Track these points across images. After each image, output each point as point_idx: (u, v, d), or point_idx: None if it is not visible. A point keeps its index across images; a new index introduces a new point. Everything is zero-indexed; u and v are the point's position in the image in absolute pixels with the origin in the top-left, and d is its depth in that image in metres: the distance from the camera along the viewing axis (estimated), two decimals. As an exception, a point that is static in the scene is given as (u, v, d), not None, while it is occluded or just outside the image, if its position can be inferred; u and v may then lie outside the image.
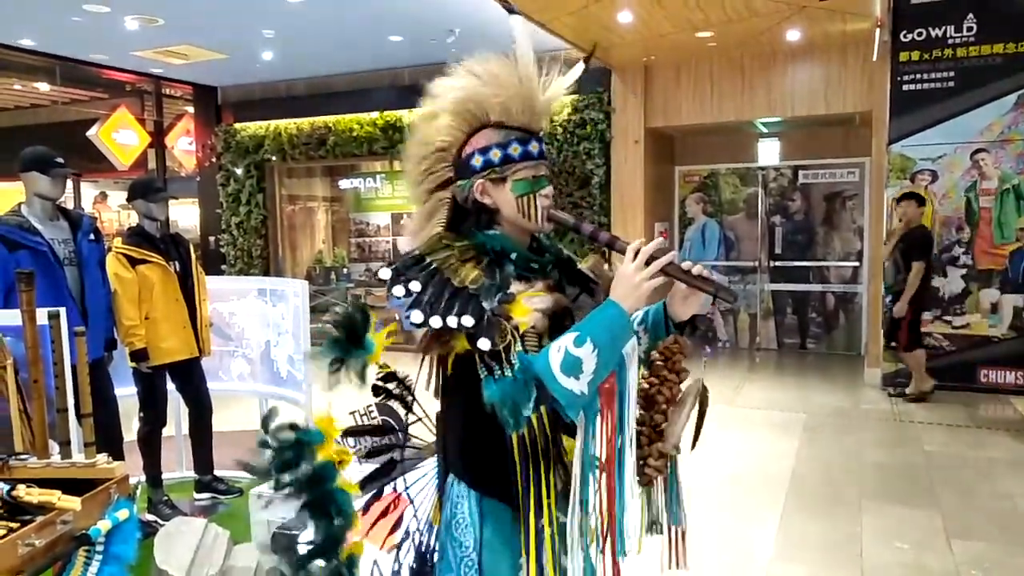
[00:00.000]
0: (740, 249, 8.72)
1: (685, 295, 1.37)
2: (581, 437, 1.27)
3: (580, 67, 1.47)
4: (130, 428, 4.07)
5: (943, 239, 6.41)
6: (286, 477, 1.27)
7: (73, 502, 1.74)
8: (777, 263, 8.53)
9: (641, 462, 1.37)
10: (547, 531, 1.34)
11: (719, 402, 6.12)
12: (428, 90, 1.43)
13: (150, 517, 3.70)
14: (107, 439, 3.07)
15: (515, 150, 1.36)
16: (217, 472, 4.14)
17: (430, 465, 1.58)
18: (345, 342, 1.27)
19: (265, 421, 1.32)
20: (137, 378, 3.80)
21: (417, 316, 1.26)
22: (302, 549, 1.29)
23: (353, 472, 1.58)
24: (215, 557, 2.43)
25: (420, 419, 1.65)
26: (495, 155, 1.36)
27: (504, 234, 1.39)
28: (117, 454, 3.28)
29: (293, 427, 1.30)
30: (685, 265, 1.31)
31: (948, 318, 6.42)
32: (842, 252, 8.32)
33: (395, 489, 1.61)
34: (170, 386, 3.98)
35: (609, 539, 1.30)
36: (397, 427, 1.68)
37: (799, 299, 8.53)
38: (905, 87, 6.38)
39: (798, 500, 4.08)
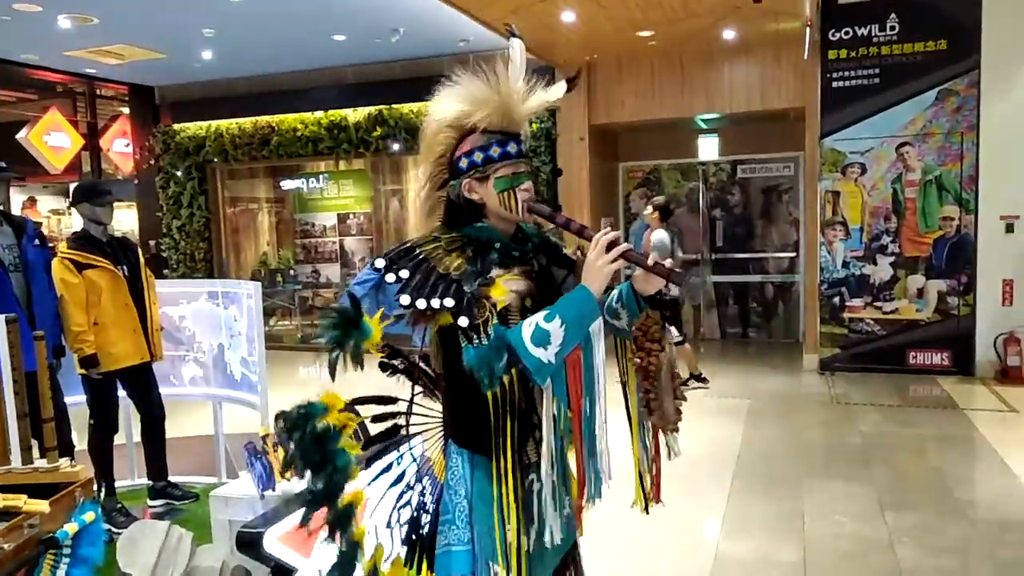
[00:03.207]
0: (683, 242, 8.95)
1: (645, 275, 1.56)
2: (548, 399, 1.46)
3: (563, 87, 1.67)
4: (81, 437, 4.00)
5: (872, 229, 6.74)
6: (292, 443, 1.43)
7: (41, 504, 1.75)
8: (718, 255, 8.80)
9: (659, 419, 1.61)
10: (523, 485, 1.53)
11: (667, 391, 6.31)
12: (426, 113, 1.65)
13: (104, 526, 3.64)
14: (58, 448, 3.03)
15: (495, 151, 1.56)
16: (171, 478, 4.10)
17: (435, 432, 1.76)
18: (344, 325, 1.41)
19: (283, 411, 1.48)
20: (87, 385, 3.74)
21: (405, 299, 1.47)
22: (305, 496, 1.44)
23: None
24: (179, 559, 2.44)
25: (427, 390, 1.80)
26: (478, 157, 1.56)
27: (490, 226, 1.59)
28: (69, 462, 3.23)
29: (301, 405, 1.46)
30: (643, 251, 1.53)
31: (879, 304, 6.76)
32: (779, 243, 8.64)
33: (377, 466, 1.76)
34: (121, 392, 3.92)
35: (579, 488, 1.53)
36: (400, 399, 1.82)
37: (740, 290, 8.83)
38: (835, 84, 6.68)
39: (744, 481, 4.27)
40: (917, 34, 6.45)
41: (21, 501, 1.76)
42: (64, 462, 2.00)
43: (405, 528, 1.66)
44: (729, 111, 7.57)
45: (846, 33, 6.61)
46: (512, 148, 1.57)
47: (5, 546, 1.66)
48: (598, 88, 7.82)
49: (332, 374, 1.39)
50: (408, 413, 1.77)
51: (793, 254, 8.51)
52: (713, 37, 6.87)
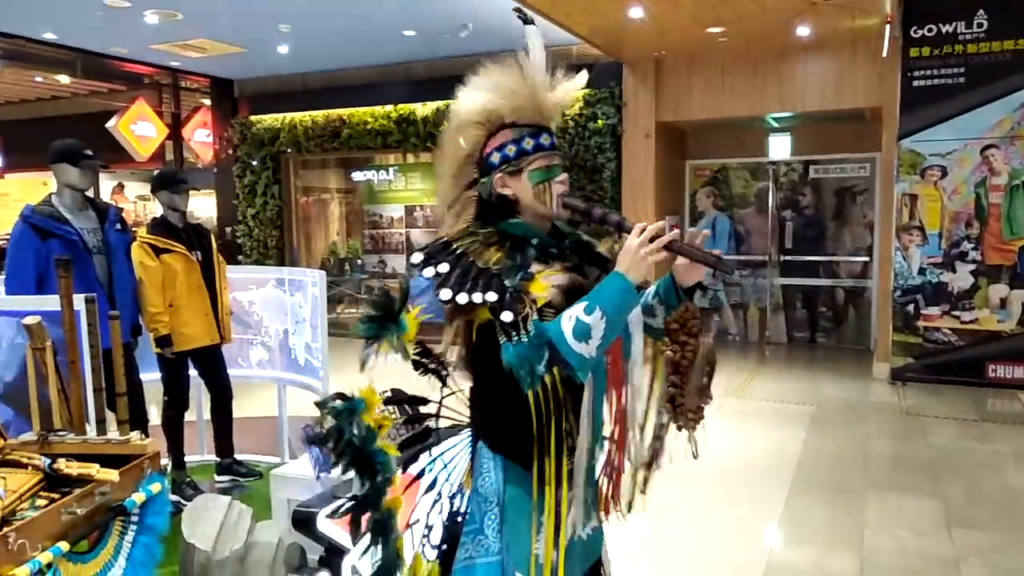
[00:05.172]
0: (750, 243, 8.77)
1: (688, 265, 1.50)
2: (589, 396, 1.41)
3: (584, 75, 1.63)
4: (154, 412, 4.21)
5: (952, 234, 6.45)
6: (340, 440, 1.40)
7: (111, 474, 1.85)
8: (787, 257, 8.57)
9: (681, 415, 1.55)
10: (563, 493, 1.47)
11: (729, 394, 6.20)
12: (450, 110, 1.60)
13: (174, 498, 3.82)
14: (132, 422, 3.20)
15: (528, 143, 1.51)
16: (237, 456, 4.27)
17: (464, 435, 1.70)
18: (382, 319, 1.40)
19: (323, 401, 1.46)
20: (161, 364, 3.94)
21: (445, 293, 1.40)
22: (349, 503, 1.42)
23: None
24: (239, 532, 2.55)
25: (455, 392, 1.77)
26: (510, 150, 1.51)
27: (525, 222, 1.53)
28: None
29: (341, 396, 1.43)
30: (687, 236, 1.46)
31: (957, 313, 6.46)
32: (852, 247, 8.35)
33: (411, 471, 1.70)
34: (192, 372, 4.11)
35: (613, 495, 1.51)
36: (431, 400, 1.80)
37: (809, 293, 8.58)
38: (915, 83, 6.41)
39: (803, 489, 4.16)
40: (1007, 32, 6.12)
41: (94, 470, 1.86)
42: (135, 435, 2.10)
43: (439, 539, 1.59)
44: (802, 110, 7.36)
45: (929, 30, 6.33)
46: (545, 140, 1.52)
47: (78, 511, 1.77)
48: (666, 85, 7.71)
49: (362, 366, 1.38)
50: (438, 416, 1.72)
51: (866, 258, 8.22)
52: (786, 34, 6.68)
